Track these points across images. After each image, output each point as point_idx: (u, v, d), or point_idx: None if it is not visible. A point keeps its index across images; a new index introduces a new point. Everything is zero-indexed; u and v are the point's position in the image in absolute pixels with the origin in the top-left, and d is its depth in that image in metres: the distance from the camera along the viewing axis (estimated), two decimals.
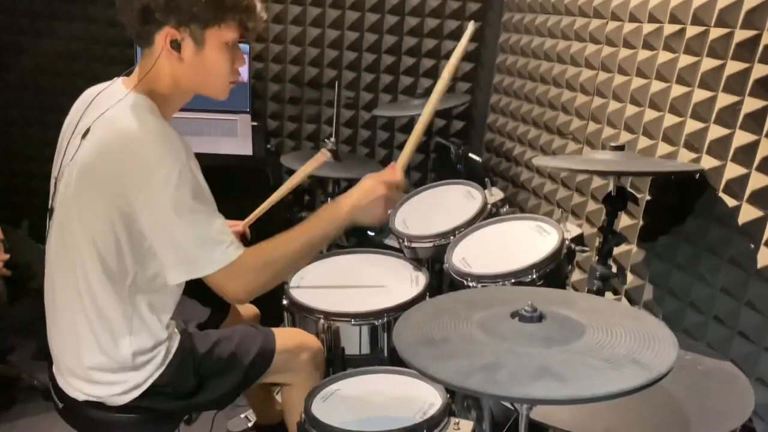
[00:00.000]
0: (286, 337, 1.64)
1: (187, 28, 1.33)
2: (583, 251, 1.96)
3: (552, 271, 1.73)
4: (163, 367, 1.45)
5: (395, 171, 1.52)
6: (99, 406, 1.44)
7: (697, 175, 1.70)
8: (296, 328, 1.85)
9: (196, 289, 1.45)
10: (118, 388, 1.42)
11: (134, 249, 1.35)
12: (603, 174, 1.93)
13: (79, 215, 1.35)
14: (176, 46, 1.34)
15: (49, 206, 1.46)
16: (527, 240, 1.88)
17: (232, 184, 1.86)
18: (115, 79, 1.45)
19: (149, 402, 1.45)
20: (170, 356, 1.46)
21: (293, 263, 1.47)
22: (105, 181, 1.30)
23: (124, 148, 1.30)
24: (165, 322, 1.47)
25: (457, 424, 1.45)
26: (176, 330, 1.51)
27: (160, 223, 1.30)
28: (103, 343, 1.39)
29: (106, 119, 1.34)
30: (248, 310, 1.94)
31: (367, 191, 1.47)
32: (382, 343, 1.82)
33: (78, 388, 1.44)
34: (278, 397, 2.00)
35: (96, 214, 1.33)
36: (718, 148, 1.66)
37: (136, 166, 1.28)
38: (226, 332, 1.61)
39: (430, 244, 2.01)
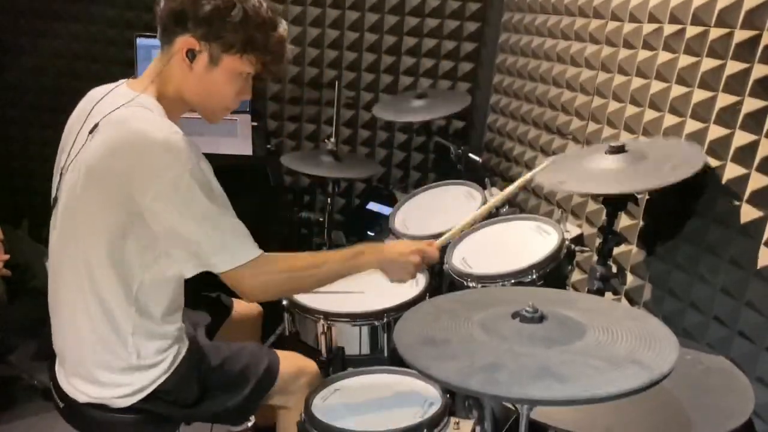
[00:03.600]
0: (287, 361, 1.64)
1: (208, 44, 1.34)
2: (583, 251, 1.96)
3: (552, 271, 1.73)
4: (169, 373, 1.45)
5: (434, 248, 1.61)
6: (100, 406, 1.44)
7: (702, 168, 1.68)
8: (294, 352, 1.85)
9: (199, 285, 1.46)
10: (123, 390, 1.42)
11: (142, 248, 1.35)
12: (603, 196, 1.87)
13: (86, 214, 1.36)
14: (191, 56, 1.35)
15: (52, 199, 1.46)
16: (527, 240, 1.88)
17: (231, 185, 1.85)
18: (120, 81, 1.46)
19: (150, 406, 1.45)
20: (177, 362, 1.46)
21: (314, 285, 1.52)
22: (113, 180, 1.31)
23: (134, 149, 1.30)
24: (171, 320, 1.47)
25: (457, 423, 1.45)
26: (185, 336, 1.51)
27: (173, 223, 1.31)
28: (109, 342, 1.40)
29: (115, 119, 1.34)
30: (251, 308, 1.94)
31: (403, 253, 1.55)
32: (382, 344, 1.82)
33: (81, 390, 1.44)
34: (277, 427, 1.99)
35: (103, 212, 1.33)
36: (718, 148, 1.67)
37: (146, 167, 1.29)
38: (236, 349, 1.61)
39: None
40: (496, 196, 1.80)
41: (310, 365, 1.69)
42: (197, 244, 1.33)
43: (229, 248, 1.35)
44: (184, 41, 1.35)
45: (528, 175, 1.74)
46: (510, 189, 1.75)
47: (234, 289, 1.40)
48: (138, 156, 1.30)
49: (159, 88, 1.40)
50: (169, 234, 1.33)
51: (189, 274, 1.38)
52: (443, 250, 1.76)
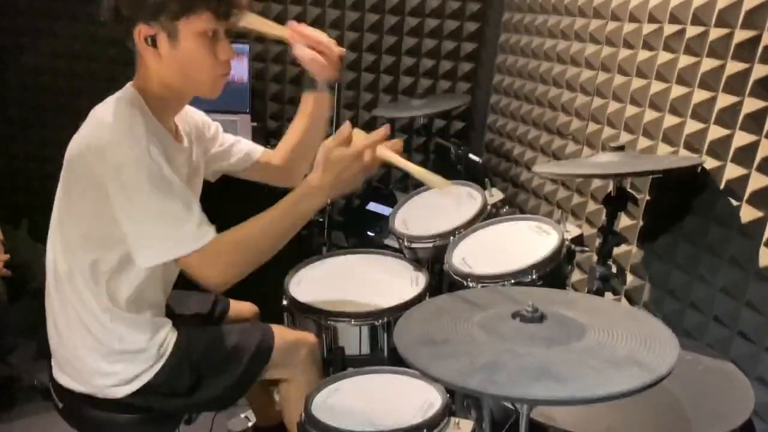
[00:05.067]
0: (283, 332, 1.65)
1: (157, 22, 1.33)
2: (583, 251, 1.96)
3: (552, 272, 1.73)
4: (159, 366, 1.45)
5: (371, 146, 1.36)
6: (98, 404, 1.44)
7: (699, 168, 1.69)
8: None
9: (196, 285, 1.45)
10: (111, 379, 1.43)
11: (104, 235, 1.37)
12: (601, 177, 1.91)
13: (67, 209, 1.40)
14: (152, 41, 1.34)
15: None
16: (527, 240, 1.88)
17: (231, 185, 1.86)
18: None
19: (147, 401, 1.46)
20: (166, 354, 1.46)
21: (268, 252, 1.39)
22: (83, 174, 1.34)
23: (94, 137, 1.33)
24: (141, 309, 1.47)
25: (457, 423, 1.45)
26: (172, 328, 1.52)
27: (125, 208, 1.31)
28: (92, 329, 1.42)
29: (90, 114, 1.37)
30: (248, 308, 1.94)
31: (340, 169, 1.34)
32: (382, 343, 1.82)
33: (74, 380, 1.45)
34: (277, 398, 1.99)
35: (75, 201, 1.37)
36: (718, 149, 1.67)
37: (102, 155, 1.30)
38: (224, 329, 1.61)
39: (430, 245, 2.01)
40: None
41: (309, 337, 1.69)
42: (145, 232, 1.32)
43: (176, 237, 1.31)
44: (138, 32, 1.35)
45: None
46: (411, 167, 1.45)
47: (192, 276, 1.37)
48: (97, 146, 1.31)
49: (143, 85, 1.41)
50: (123, 220, 1.32)
51: (144, 264, 1.35)
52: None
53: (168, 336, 1.50)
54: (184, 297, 1.74)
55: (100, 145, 1.30)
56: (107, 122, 1.32)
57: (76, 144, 1.36)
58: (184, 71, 1.38)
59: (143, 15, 1.33)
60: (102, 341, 1.42)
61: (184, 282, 1.50)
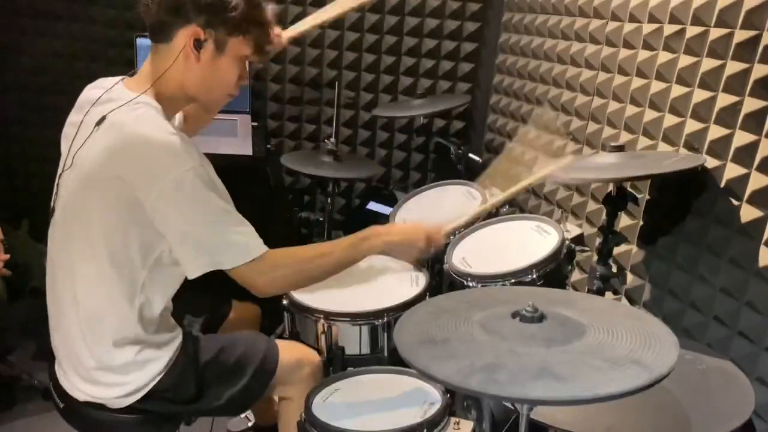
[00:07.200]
0: (287, 350, 1.64)
1: (213, 30, 1.34)
2: (583, 251, 1.96)
3: (552, 271, 1.73)
4: (165, 371, 1.44)
5: (440, 233, 1.68)
6: (100, 406, 1.44)
7: (699, 167, 1.69)
8: (296, 341, 1.84)
9: (199, 286, 1.46)
10: (121, 390, 1.42)
11: (145, 249, 1.36)
12: (601, 182, 1.91)
13: (85, 216, 1.36)
14: (198, 46, 1.34)
15: (52, 203, 1.46)
16: (527, 240, 1.88)
17: (232, 185, 1.85)
18: (116, 79, 1.45)
19: (149, 405, 1.45)
20: (173, 360, 1.46)
21: (322, 275, 1.54)
22: (114, 184, 1.31)
23: (134, 153, 1.30)
24: (168, 319, 1.48)
25: (457, 423, 1.45)
26: (180, 333, 1.51)
27: (180, 222, 1.32)
28: (107, 342, 1.40)
29: (114, 122, 1.34)
30: (249, 309, 1.94)
31: (409, 234, 1.61)
32: (382, 343, 1.82)
33: (80, 389, 1.44)
34: (277, 398, 1.99)
35: (103, 215, 1.34)
36: (718, 148, 1.67)
37: (147, 169, 1.29)
38: (231, 339, 1.60)
39: None
40: (512, 188, 1.85)
41: (312, 355, 1.68)
42: (205, 242, 1.34)
43: (237, 245, 1.36)
44: (189, 32, 1.34)
45: (547, 170, 1.80)
46: (527, 181, 1.80)
47: (244, 285, 1.42)
48: (138, 160, 1.30)
49: (159, 88, 1.39)
50: (177, 233, 1.33)
51: (194, 274, 1.38)
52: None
53: (177, 344, 1.49)
54: (187, 298, 1.73)
55: (150, 165, 1.29)
56: (153, 139, 1.30)
57: (106, 159, 1.32)
58: (208, 82, 1.41)
59: (204, 19, 1.34)
60: (118, 356, 1.40)
61: (185, 281, 1.51)
